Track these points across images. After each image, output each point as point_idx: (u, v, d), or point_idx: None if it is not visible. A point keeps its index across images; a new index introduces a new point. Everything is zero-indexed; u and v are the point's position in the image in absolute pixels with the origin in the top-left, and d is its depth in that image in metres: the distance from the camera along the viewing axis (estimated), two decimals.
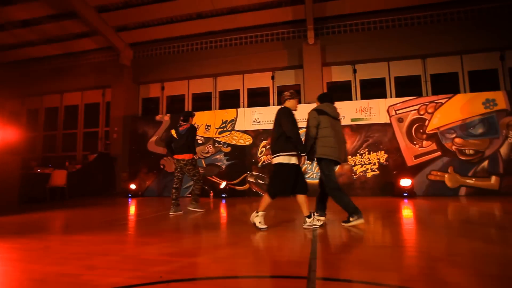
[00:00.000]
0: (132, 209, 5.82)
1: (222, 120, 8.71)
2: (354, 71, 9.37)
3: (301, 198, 3.43)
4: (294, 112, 3.54)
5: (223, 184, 8.19)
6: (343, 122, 7.91)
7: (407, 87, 8.96)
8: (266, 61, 9.68)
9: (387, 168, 7.57)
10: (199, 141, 8.81)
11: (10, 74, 12.07)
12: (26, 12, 9.59)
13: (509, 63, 8.48)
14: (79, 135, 11.54)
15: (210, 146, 8.71)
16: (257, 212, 3.44)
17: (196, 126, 5.30)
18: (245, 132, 8.54)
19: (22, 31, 10.38)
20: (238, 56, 9.94)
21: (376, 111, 7.82)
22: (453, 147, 7.34)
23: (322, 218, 3.66)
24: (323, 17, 9.22)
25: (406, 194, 7.03)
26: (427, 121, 7.55)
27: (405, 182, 7.09)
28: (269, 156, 8.23)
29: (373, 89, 9.19)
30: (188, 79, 10.67)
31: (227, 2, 9.02)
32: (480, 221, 3.76)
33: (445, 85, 8.70)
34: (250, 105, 9.79)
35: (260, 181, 8.26)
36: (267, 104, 9.69)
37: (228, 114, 8.76)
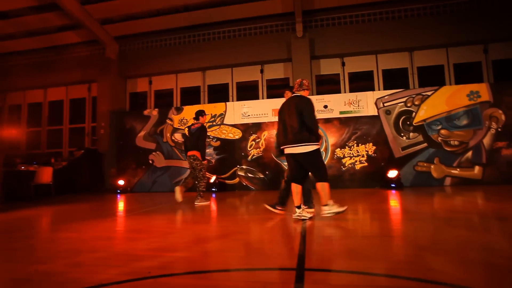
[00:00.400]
0: (121, 205, 5.75)
1: (211, 114, 8.65)
2: (343, 64, 9.41)
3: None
4: None
5: (213, 179, 8.17)
6: (332, 115, 7.99)
7: (395, 79, 9.06)
8: (255, 54, 9.62)
9: (375, 160, 7.69)
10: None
11: None
12: (4, 3, 9.21)
13: (492, 56, 8.67)
14: (64, 131, 11.27)
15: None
16: (325, 205, 3.39)
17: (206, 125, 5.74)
18: (234, 126, 8.51)
19: (1, 23, 9.99)
20: (227, 49, 9.84)
21: (364, 103, 7.90)
22: (439, 139, 7.49)
23: (311, 210, 3.70)
24: (311, 10, 9.19)
25: (393, 185, 7.16)
26: (414, 113, 7.68)
27: (393, 174, 7.22)
28: (260, 148, 8.24)
29: (361, 82, 9.27)
30: (176, 73, 10.51)
31: None
32: (464, 210, 3.87)
33: (432, 78, 8.84)
34: (239, 98, 9.73)
35: (250, 175, 8.27)
36: (256, 98, 9.65)
37: (217, 108, 8.70)
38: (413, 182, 7.45)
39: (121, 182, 8.60)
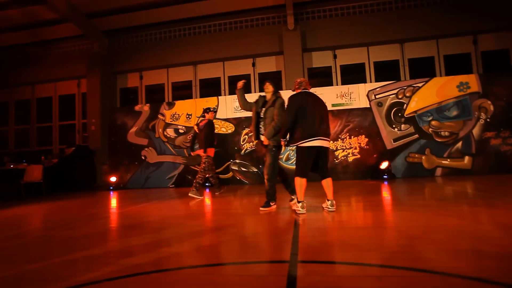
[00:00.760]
0: (114, 202, 5.71)
1: (203, 108, 8.55)
2: (335, 56, 9.40)
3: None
4: None
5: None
6: None
7: (386, 71, 9.10)
8: (247, 47, 9.54)
9: (367, 152, 7.75)
10: (180, 131, 8.68)
11: None
12: None
13: (481, 47, 8.75)
14: (54, 128, 11.08)
15: (192, 135, 8.58)
16: (329, 200, 3.55)
17: (212, 120, 5.94)
18: (226, 120, 8.47)
19: None
20: (218, 42, 9.73)
21: (356, 96, 7.93)
22: (430, 130, 7.58)
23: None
24: (302, 2, 9.13)
25: (385, 176, 7.25)
26: (405, 104, 7.74)
27: (385, 165, 7.31)
28: (254, 142, 8.23)
29: (353, 75, 9.28)
30: (167, 68, 10.38)
31: None
32: (454, 200, 3.94)
33: (422, 69, 8.90)
34: (232, 92, 9.67)
35: (243, 169, 8.27)
36: (249, 92, 9.60)
37: (209, 102, 8.64)
38: (405, 173, 7.55)
39: (113, 179, 8.52)
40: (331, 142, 7.87)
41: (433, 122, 7.58)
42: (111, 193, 7.63)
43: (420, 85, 7.72)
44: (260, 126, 4.02)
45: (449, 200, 3.96)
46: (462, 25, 8.56)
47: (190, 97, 10.00)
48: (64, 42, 10.87)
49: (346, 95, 7.97)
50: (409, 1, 8.91)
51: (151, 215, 3.97)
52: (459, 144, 7.44)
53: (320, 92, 8.10)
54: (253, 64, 9.84)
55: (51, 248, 2.51)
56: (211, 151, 5.64)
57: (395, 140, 7.69)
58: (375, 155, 7.67)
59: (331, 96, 8.00)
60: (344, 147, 7.84)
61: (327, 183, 3.53)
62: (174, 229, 3.11)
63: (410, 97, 7.72)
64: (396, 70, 9.11)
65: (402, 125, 7.70)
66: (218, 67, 10.05)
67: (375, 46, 9.19)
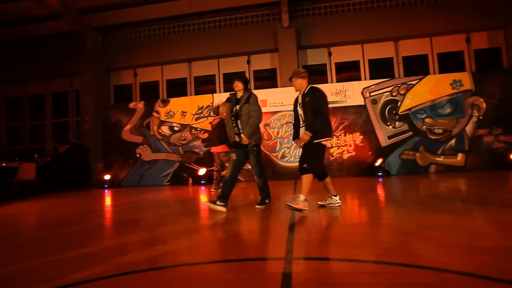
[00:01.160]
0: (108, 200, 5.67)
1: (198, 106, 8.54)
2: (329, 54, 9.41)
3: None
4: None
5: (202, 171, 8.11)
6: None
7: (381, 69, 9.14)
8: (241, 44, 9.50)
9: (362, 149, 7.79)
10: (175, 128, 8.63)
11: None
12: None
13: (474, 45, 8.83)
14: (47, 126, 10.95)
15: (187, 133, 8.55)
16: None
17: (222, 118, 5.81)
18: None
19: None
20: (213, 40, 9.67)
21: (351, 93, 7.95)
22: (424, 127, 7.64)
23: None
24: None
25: (380, 173, 7.30)
26: (399, 102, 7.78)
27: (379, 162, 7.36)
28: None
29: (348, 72, 9.31)
30: (161, 65, 10.29)
31: None
32: (448, 196, 3.98)
33: (416, 67, 8.95)
34: (227, 90, 9.63)
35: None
36: (246, 89, 9.55)
37: (204, 99, 8.59)
38: (399, 170, 7.61)
39: (107, 177, 8.46)
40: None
41: (427, 120, 7.64)
42: (106, 191, 7.57)
43: (414, 82, 7.77)
44: (234, 125, 3.87)
45: (443, 196, 4.00)
46: (455, 24, 8.62)
47: (185, 94, 9.94)
48: (55, 38, 10.69)
49: (341, 92, 7.98)
50: None
51: (146, 213, 3.95)
52: (453, 141, 7.52)
53: None
54: (248, 61, 9.80)
55: (45, 247, 2.48)
56: (224, 148, 5.83)
57: (389, 137, 7.74)
58: (370, 153, 7.72)
59: (326, 93, 7.95)
60: (339, 145, 7.87)
61: (329, 180, 3.54)
62: (169, 226, 3.10)
63: (404, 94, 7.76)
64: (390, 67, 9.15)
65: (397, 123, 7.75)
66: (213, 64, 9.99)
67: (370, 44, 9.21)
